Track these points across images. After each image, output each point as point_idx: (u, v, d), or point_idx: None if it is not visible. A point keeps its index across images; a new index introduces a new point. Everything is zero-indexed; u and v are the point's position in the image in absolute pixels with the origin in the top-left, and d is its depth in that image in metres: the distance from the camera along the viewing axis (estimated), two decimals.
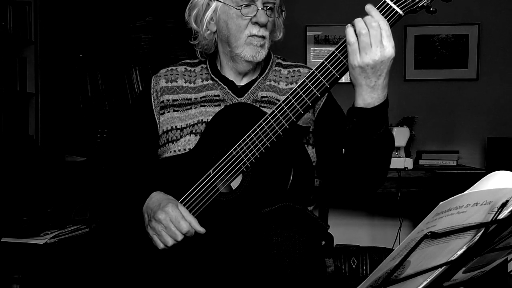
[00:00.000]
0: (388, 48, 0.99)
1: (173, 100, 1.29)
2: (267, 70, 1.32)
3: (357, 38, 0.99)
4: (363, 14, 1.02)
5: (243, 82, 1.31)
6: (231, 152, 1.13)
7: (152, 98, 1.31)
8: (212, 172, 1.15)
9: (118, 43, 3.34)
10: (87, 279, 2.25)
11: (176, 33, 3.35)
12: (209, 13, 1.25)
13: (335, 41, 3.46)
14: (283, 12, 1.29)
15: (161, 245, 1.12)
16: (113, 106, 3.38)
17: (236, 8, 1.20)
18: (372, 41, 0.98)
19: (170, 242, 1.10)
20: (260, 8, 1.20)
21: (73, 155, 3.05)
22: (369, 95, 1.03)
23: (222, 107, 1.24)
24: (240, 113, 1.20)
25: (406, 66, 3.43)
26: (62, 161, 2.89)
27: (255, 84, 1.30)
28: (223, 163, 1.14)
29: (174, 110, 1.28)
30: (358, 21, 1.00)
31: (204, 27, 1.27)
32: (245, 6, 1.20)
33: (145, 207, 1.17)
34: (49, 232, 2.24)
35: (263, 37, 1.23)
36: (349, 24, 1.01)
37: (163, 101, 1.29)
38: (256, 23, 1.21)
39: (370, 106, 1.03)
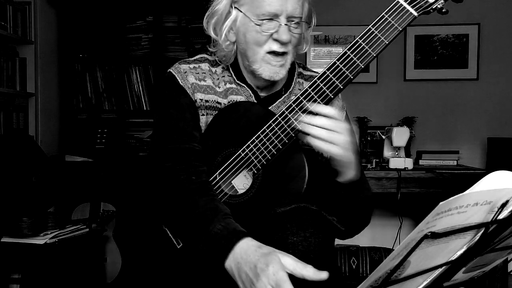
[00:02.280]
0: (345, 128, 1.05)
1: (205, 101, 1.18)
2: (292, 84, 1.24)
3: (322, 140, 1.03)
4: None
5: (263, 93, 1.22)
6: (239, 154, 1.09)
7: (188, 92, 1.17)
8: (218, 176, 1.12)
9: (118, 43, 3.34)
10: (87, 279, 2.25)
11: (176, 33, 3.35)
12: (228, 22, 1.15)
13: (335, 41, 3.46)
14: (311, 27, 1.21)
15: None
16: (113, 106, 3.38)
17: (255, 24, 1.10)
18: (335, 133, 1.03)
19: None
20: (283, 24, 1.10)
21: (73, 155, 3.05)
22: (355, 171, 1.11)
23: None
24: (244, 113, 1.15)
25: (406, 66, 3.43)
26: (62, 161, 2.90)
27: (281, 98, 1.21)
28: (230, 165, 1.10)
29: (207, 114, 1.18)
30: (311, 128, 1.03)
31: (223, 37, 1.16)
32: (267, 21, 1.10)
33: (238, 256, 0.96)
34: (49, 232, 2.24)
35: (284, 54, 1.13)
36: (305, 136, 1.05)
37: (196, 100, 1.18)
38: (276, 40, 1.11)
39: (356, 178, 1.12)
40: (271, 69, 1.13)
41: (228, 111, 1.16)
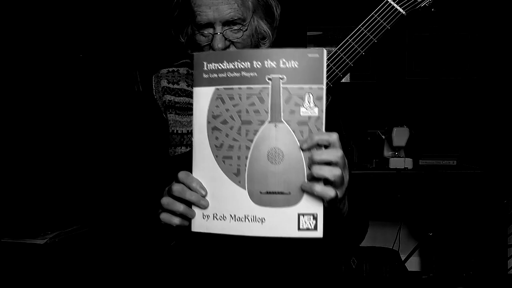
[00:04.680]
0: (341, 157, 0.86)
1: (175, 102, 1.24)
2: None
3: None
4: (363, 14, 1.03)
5: None
6: None
7: (156, 97, 1.25)
8: None
9: (118, 43, 3.35)
10: (87, 279, 2.25)
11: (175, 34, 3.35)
12: (186, 29, 1.21)
13: (335, 41, 3.46)
14: (275, 18, 1.19)
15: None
16: (112, 107, 3.38)
17: (193, 35, 1.14)
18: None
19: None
20: (218, 33, 1.10)
21: (73, 155, 3.05)
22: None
23: None
24: None
25: (406, 66, 3.43)
26: (63, 161, 2.89)
27: None
28: None
29: (176, 113, 1.24)
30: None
31: (185, 42, 1.22)
32: (204, 28, 1.12)
33: None
34: (49, 232, 2.24)
35: None
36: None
37: (165, 101, 1.24)
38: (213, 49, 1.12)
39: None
40: None
41: None
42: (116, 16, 3.36)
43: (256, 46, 1.18)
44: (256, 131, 0.86)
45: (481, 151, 3.38)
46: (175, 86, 1.25)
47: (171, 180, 1.18)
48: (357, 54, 1.05)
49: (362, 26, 1.04)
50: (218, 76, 0.88)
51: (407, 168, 2.80)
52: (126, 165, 1.28)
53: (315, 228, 0.84)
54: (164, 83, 1.25)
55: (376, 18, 1.03)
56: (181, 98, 1.25)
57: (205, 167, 0.90)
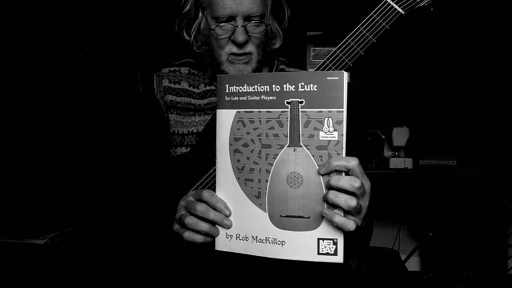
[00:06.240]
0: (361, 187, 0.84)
1: (177, 102, 1.24)
2: None
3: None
4: (363, 14, 1.03)
5: None
6: None
7: (157, 97, 1.25)
8: (213, 173, 1.14)
9: (118, 43, 3.35)
10: (87, 279, 2.25)
11: (176, 33, 3.35)
12: (196, 25, 1.21)
13: (335, 41, 3.46)
14: (285, 19, 1.22)
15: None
16: (113, 106, 3.38)
17: (211, 28, 1.14)
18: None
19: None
20: (239, 26, 1.11)
21: (74, 155, 3.05)
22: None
23: None
24: None
25: (406, 66, 3.43)
26: (63, 161, 2.90)
27: None
28: None
29: (177, 113, 1.24)
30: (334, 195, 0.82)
31: (192, 39, 1.22)
32: (223, 23, 1.12)
33: None
34: (49, 232, 2.24)
35: (246, 54, 1.14)
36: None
37: (166, 101, 1.25)
38: (234, 41, 1.13)
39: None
40: (236, 67, 1.15)
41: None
42: (116, 16, 3.36)
43: (266, 45, 1.19)
44: (275, 155, 0.85)
45: (481, 151, 3.38)
46: (177, 86, 1.26)
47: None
48: (356, 54, 1.04)
49: (361, 26, 1.04)
50: (239, 99, 0.88)
51: (407, 168, 2.80)
52: (127, 165, 1.29)
53: (335, 253, 0.83)
54: (165, 82, 1.26)
55: (375, 18, 1.03)
56: (183, 98, 1.25)
57: (228, 188, 0.90)
